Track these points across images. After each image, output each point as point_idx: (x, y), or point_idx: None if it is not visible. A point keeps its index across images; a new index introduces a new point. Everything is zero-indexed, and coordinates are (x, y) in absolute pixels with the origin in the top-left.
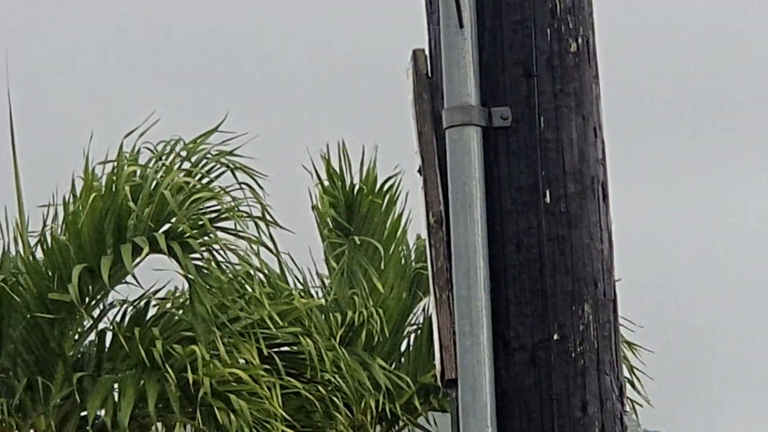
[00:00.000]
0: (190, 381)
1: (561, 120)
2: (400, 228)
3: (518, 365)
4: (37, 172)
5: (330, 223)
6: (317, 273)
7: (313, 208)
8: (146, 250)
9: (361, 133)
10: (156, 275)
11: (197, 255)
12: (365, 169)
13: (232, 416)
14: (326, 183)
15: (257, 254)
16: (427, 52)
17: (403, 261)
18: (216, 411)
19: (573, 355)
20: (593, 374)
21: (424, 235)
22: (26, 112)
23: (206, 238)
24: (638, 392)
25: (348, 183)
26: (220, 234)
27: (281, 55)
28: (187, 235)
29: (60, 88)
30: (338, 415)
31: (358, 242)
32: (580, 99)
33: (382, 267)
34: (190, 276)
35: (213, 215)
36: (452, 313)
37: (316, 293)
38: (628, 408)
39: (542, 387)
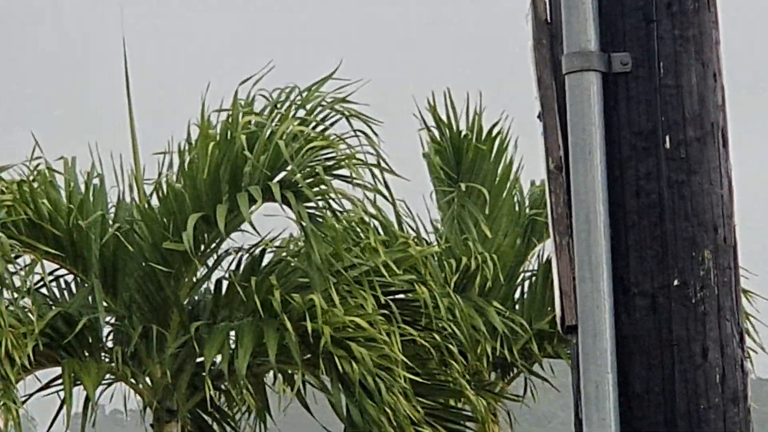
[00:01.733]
0: (309, 329)
1: (680, 65)
2: (512, 174)
3: (638, 311)
4: (152, 120)
5: (439, 171)
6: (431, 220)
7: (424, 155)
8: (261, 199)
9: (467, 80)
10: (271, 223)
11: (312, 204)
12: (471, 116)
13: (354, 364)
14: (434, 131)
15: (373, 202)
16: None
17: (516, 207)
18: (337, 359)
19: (693, 300)
20: (713, 320)
21: (540, 181)
22: (141, 60)
23: (321, 187)
24: (753, 339)
25: (455, 130)
26: (335, 182)
27: (392, 5)
28: (302, 184)
29: (175, 36)
30: (453, 362)
31: (466, 189)
32: (700, 44)
33: (493, 214)
34: (304, 224)
35: (328, 164)
36: (572, 259)
37: (430, 240)
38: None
39: (662, 333)
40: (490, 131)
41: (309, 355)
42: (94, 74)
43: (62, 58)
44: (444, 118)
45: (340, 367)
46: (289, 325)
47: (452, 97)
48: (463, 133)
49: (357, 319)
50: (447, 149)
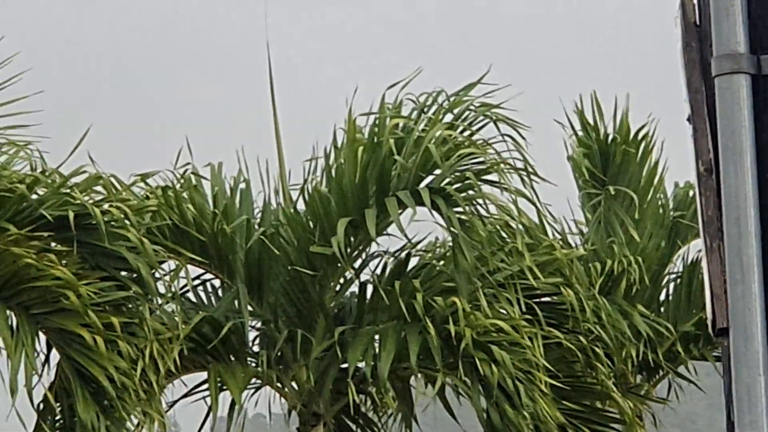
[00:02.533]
0: (452, 332)
1: None
2: (657, 176)
3: None
4: (297, 125)
5: (585, 173)
6: (575, 223)
7: (569, 158)
8: (411, 204)
9: (613, 84)
10: (415, 226)
11: (460, 209)
12: (618, 119)
13: (494, 367)
14: (580, 134)
15: (517, 205)
16: (695, 0)
17: (660, 210)
18: (478, 362)
19: None
20: None
21: (683, 183)
22: (286, 64)
23: (470, 192)
24: None
25: (602, 133)
26: (483, 188)
27: (539, 10)
28: (452, 188)
29: (319, 41)
30: (599, 364)
31: (613, 192)
32: None
33: (638, 216)
34: (453, 230)
35: (477, 169)
36: (723, 261)
37: (575, 243)
38: None
39: None
40: (636, 134)
41: (451, 359)
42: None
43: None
44: (591, 121)
45: (480, 370)
46: (431, 328)
47: (599, 100)
48: (611, 136)
49: (499, 323)
50: (594, 152)
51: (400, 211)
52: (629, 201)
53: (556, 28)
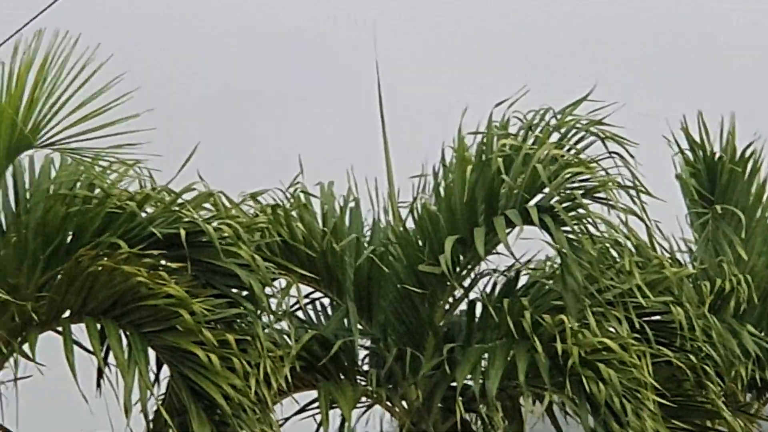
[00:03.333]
0: (559, 351)
1: None
2: (765, 194)
3: None
4: (405, 143)
5: (693, 193)
6: (684, 241)
7: (677, 177)
8: (519, 223)
9: (717, 103)
10: (524, 244)
11: (568, 227)
12: (724, 137)
13: (601, 385)
14: (687, 153)
15: (626, 223)
16: None
17: None
18: (585, 380)
19: None
20: None
21: None
22: (394, 82)
23: (579, 211)
24: None
25: (708, 152)
26: (591, 207)
27: (645, 29)
28: (560, 207)
29: (427, 59)
30: (709, 383)
31: (720, 211)
32: None
33: (746, 235)
34: (562, 250)
35: (585, 187)
36: None
37: (684, 262)
38: None
39: None
40: (743, 152)
41: (559, 377)
42: (347, 98)
43: (317, 83)
44: (697, 140)
45: (587, 388)
46: (539, 346)
47: (704, 120)
48: (717, 155)
49: (607, 341)
50: (701, 172)
51: (509, 230)
52: (737, 220)
53: (661, 46)
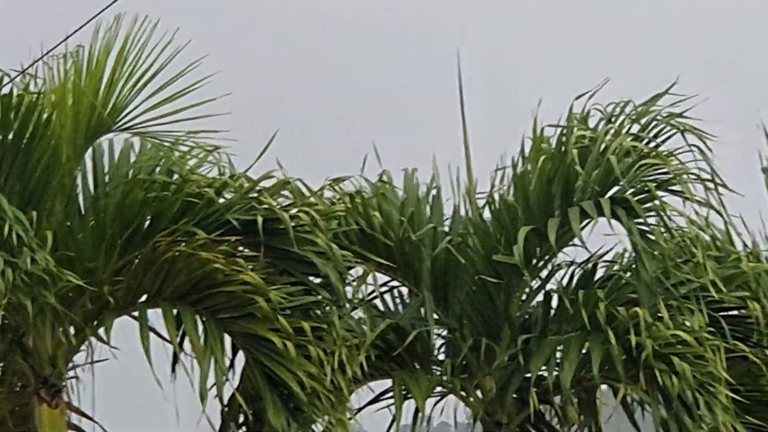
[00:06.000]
0: (633, 343)
1: None
2: None
3: None
4: (486, 134)
5: None
6: (766, 236)
7: (763, 170)
8: (594, 215)
9: None
10: (604, 237)
11: (642, 220)
12: None
13: (675, 378)
14: None
15: (705, 217)
16: None
17: None
18: (658, 373)
19: None
20: None
21: None
22: (476, 74)
23: (654, 203)
24: None
25: None
26: (668, 198)
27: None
28: (634, 200)
29: (511, 50)
30: None
31: None
32: None
33: None
34: (635, 241)
35: (662, 179)
36: None
37: (766, 257)
38: None
39: None
40: None
41: (634, 370)
42: (430, 87)
43: (400, 71)
44: None
45: (660, 381)
46: (613, 338)
47: None
48: None
49: (682, 334)
50: None
51: (586, 222)
52: None
53: (748, 39)
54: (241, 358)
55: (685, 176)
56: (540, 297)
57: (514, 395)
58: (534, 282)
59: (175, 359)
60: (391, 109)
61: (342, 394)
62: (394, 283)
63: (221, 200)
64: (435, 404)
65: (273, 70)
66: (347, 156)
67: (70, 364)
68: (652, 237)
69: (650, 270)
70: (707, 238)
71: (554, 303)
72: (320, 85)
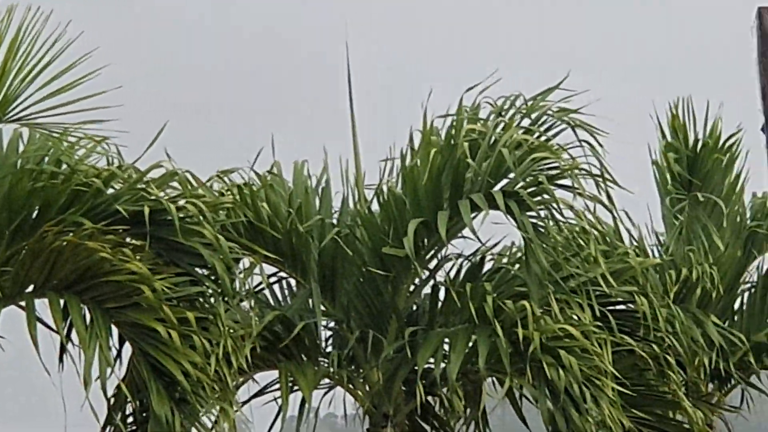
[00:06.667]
0: (520, 336)
1: None
2: (738, 186)
3: None
4: (373, 125)
5: (675, 175)
6: (653, 230)
7: (654, 163)
8: (484, 207)
9: (707, 91)
10: (490, 229)
11: (533, 213)
12: (709, 125)
13: (561, 372)
14: (670, 139)
15: (593, 212)
16: None
17: (738, 219)
18: (545, 366)
19: None
20: None
21: (761, 193)
22: (363, 64)
23: (544, 196)
24: None
25: (692, 139)
26: (557, 192)
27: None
28: (525, 192)
29: (396, 40)
30: (671, 373)
31: (701, 198)
32: None
33: (718, 224)
34: (526, 234)
35: (551, 173)
36: None
37: (652, 251)
38: None
39: None
40: (725, 142)
41: (521, 364)
42: (319, 79)
43: (288, 64)
44: (682, 123)
45: (547, 374)
46: (500, 331)
47: (693, 105)
48: (701, 142)
49: (569, 328)
50: (683, 156)
51: (474, 214)
52: (711, 208)
53: (642, 34)
54: (128, 349)
55: (576, 171)
56: (428, 289)
57: (402, 387)
58: (422, 274)
59: (62, 350)
60: (285, 104)
61: (227, 385)
62: (282, 275)
63: (109, 191)
64: (322, 396)
65: (168, 64)
66: (241, 150)
67: None
68: (543, 230)
69: (541, 263)
70: (596, 232)
71: (442, 295)
72: (215, 79)
